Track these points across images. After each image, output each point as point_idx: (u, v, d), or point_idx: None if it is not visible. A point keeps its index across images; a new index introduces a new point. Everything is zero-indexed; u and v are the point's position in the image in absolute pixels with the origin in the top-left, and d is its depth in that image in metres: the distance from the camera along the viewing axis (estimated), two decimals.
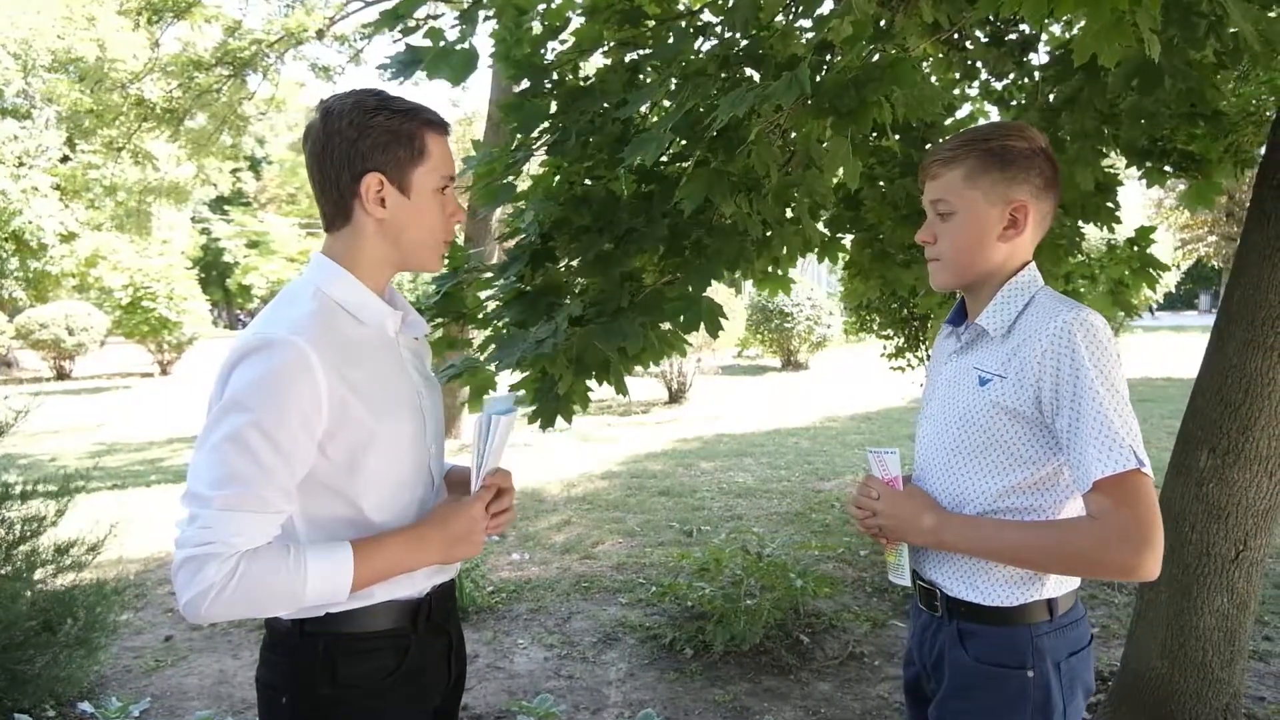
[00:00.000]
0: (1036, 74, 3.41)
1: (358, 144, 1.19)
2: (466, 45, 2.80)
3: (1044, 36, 3.41)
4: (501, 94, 8.66)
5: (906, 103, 1.68)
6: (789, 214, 2.75)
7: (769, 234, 2.76)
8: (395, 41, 2.98)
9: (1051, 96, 3.17)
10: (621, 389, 2.66)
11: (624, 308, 2.41)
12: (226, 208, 34.69)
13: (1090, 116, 2.43)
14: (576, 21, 2.89)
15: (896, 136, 2.77)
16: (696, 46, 2.56)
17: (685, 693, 3.25)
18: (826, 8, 2.36)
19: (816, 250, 3.15)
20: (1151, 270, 4.08)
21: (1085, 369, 1.25)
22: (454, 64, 2.80)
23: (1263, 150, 4.04)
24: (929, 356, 5.85)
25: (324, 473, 1.16)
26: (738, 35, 2.20)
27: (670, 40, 2.39)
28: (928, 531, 1.38)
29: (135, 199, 13.76)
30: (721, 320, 2.49)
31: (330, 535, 1.18)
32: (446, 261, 2.93)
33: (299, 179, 39.94)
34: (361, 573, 1.15)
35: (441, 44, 2.79)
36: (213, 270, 35.44)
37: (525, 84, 2.83)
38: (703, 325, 2.45)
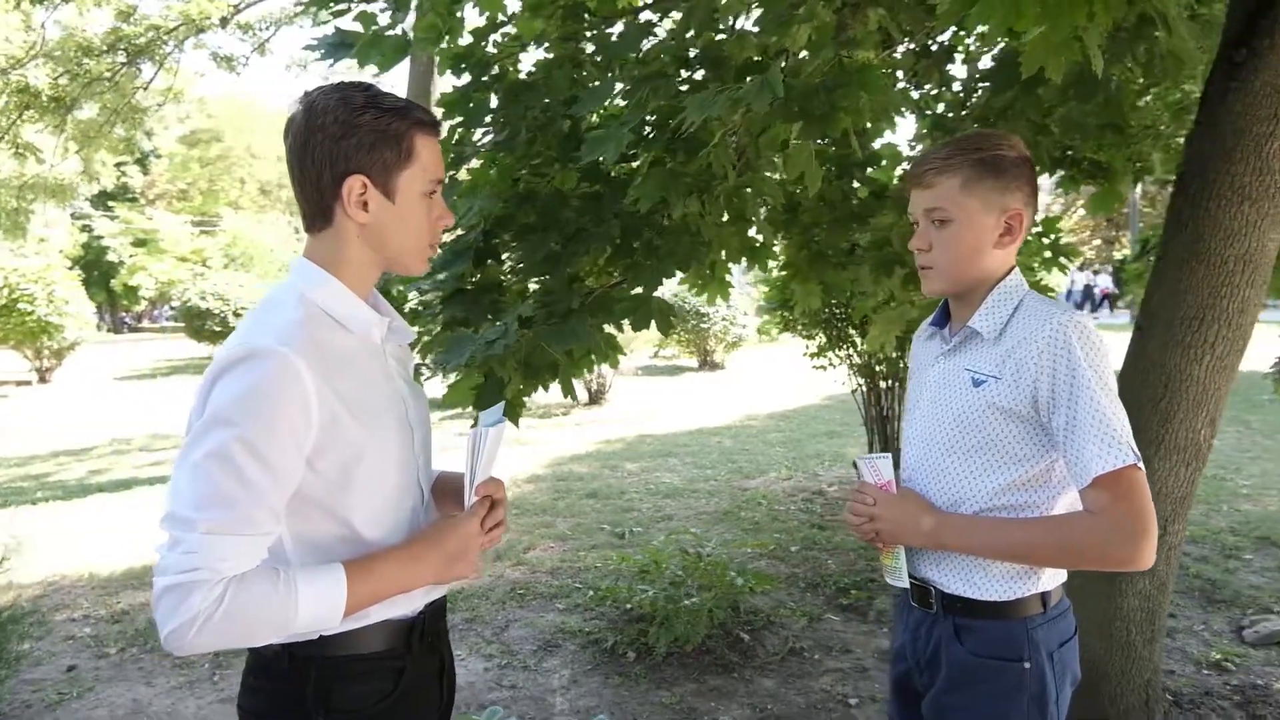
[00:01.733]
0: (957, 84, 3.54)
1: (341, 143, 1.12)
2: (398, 31, 2.71)
3: (959, 47, 3.55)
4: (419, 84, 8.44)
5: (873, 109, 1.71)
6: (729, 216, 2.77)
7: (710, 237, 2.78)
8: (319, 24, 2.85)
9: (969, 105, 3.31)
10: (569, 391, 2.62)
11: (574, 309, 2.38)
12: (111, 204, 32.58)
13: (1025, 126, 2.53)
14: (514, 9, 2.83)
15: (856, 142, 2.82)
16: (645, 46, 2.55)
17: (631, 696, 3.23)
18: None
19: (747, 255, 3.18)
20: (1063, 259, 4.31)
21: (1081, 368, 1.29)
22: (385, 50, 2.70)
23: (1156, 159, 4.34)
24: (850, 355, 6.02)
25: (313, 489, 1.09)
26: (693, 36, 2.20)
27: (621, 39, 2.36)
28: (927, 533, 1.40)
29: (14, 196, 12.72)
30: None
31: (321, 554, 1.11)
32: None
33: (190, 174, 37.92)
34: (355, 596, 1.08)
35: (373, 30, 2.69)
36: (95, 270, 33.22)
37: (465, 78, 2.76)
38: (654, 323, 2.44)
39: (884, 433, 6.07)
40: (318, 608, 1.05)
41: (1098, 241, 31.36)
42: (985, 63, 3.42)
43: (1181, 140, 4.11)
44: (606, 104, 2.14)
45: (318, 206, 1.16)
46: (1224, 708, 2.93)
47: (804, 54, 1.89)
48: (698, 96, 1.76)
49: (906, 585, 1.47)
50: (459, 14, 2.71)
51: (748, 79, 1.77)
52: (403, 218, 1.17)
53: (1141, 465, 1.28)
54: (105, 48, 9.36)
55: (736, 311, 15.29)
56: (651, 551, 4.11)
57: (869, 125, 2.97)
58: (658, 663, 3.48)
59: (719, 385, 13.80)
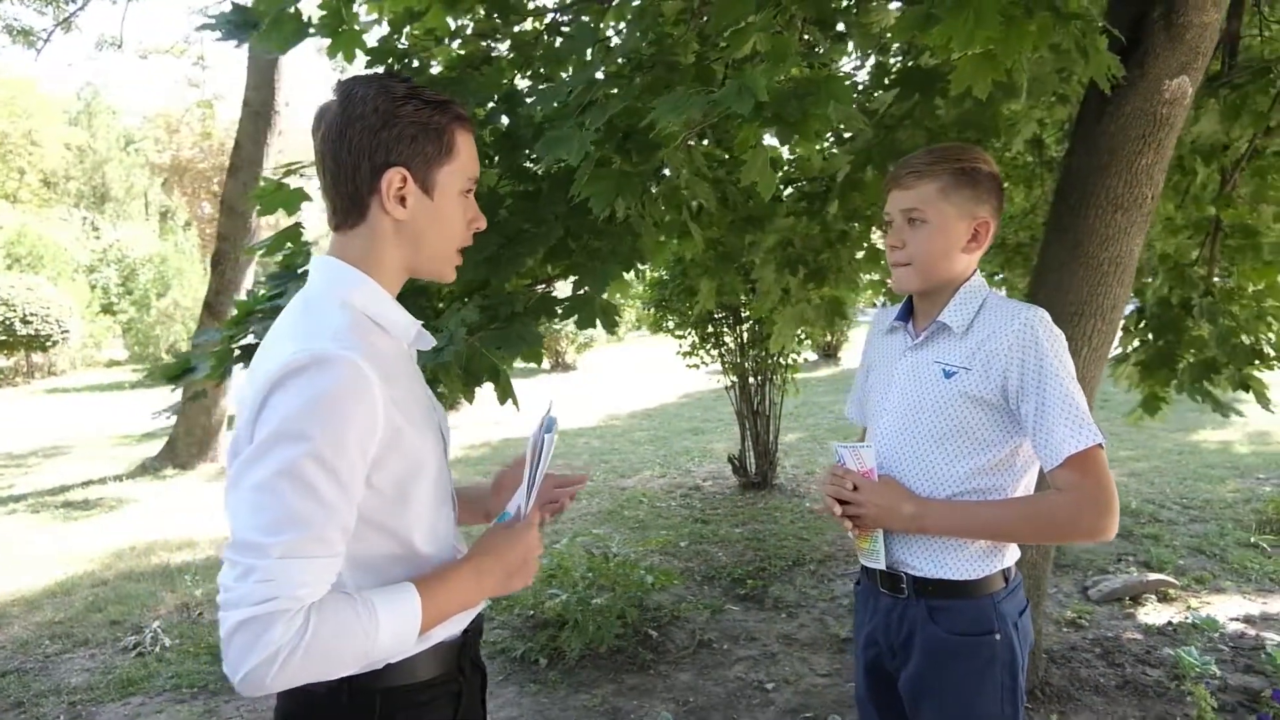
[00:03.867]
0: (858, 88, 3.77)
1: (381, 133, 1.05)
2: (293, 11, 2.54)
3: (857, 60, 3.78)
4: (259, 78, 7.85)
5: (838, 117, 1.80)
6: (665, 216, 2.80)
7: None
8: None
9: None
10: (507, 397, 2.56)
11: (519, 312, 2.33)
12: None
13: (921, 132, 2.73)
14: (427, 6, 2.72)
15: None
16: (588, 47, 2.53)
17: (551, 703, 3.19)
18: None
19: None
20: None
21: (1048, 358, 1.42)
22: (284, 32, 2.53)
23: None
24: (721, 354, 6.22)
25: (369, 506, 1.01)
26: (639, 39, 2.21)
27: (569, 41, 2.33)
28: (909, 518, 1.50)
29: None
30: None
31: (378, 576, 1.04)
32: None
33: None
34: (429, 616, 1.02)
35: (275, 9, 2.50)
36: None
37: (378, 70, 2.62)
38: (599, 322, 2.43)
39: (755, 427, 6.33)
40: (397, 632, 0.98)
41: None
42: (861, 75, 3.66)
43: (1010, 154, 4.61)
44: (556, 103, 2.10)
45: (352, 200, 1.08)
46: (1089, 659, 3.31)
47: (760, 64, 1.95)
48: (669, 97, 1.78)
49: (883, 566, 1.56)
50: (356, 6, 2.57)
51: (712, 80, 1.81)
52: (440, 216, 1.11)
53: (1104, 444, 1.43)
54: None
55: None
56: (557, 555, 4.07)
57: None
58: (571, 667, 3.46)
59: (574, 386, 13.82)
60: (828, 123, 1.79)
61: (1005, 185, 5.08)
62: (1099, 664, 3.27)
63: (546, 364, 16.10)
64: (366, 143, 1.05)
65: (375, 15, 2.76)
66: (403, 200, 1.08)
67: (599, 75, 2.09)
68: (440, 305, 2.42)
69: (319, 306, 1.05)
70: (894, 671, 1.59)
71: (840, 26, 2.07)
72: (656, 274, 6.05)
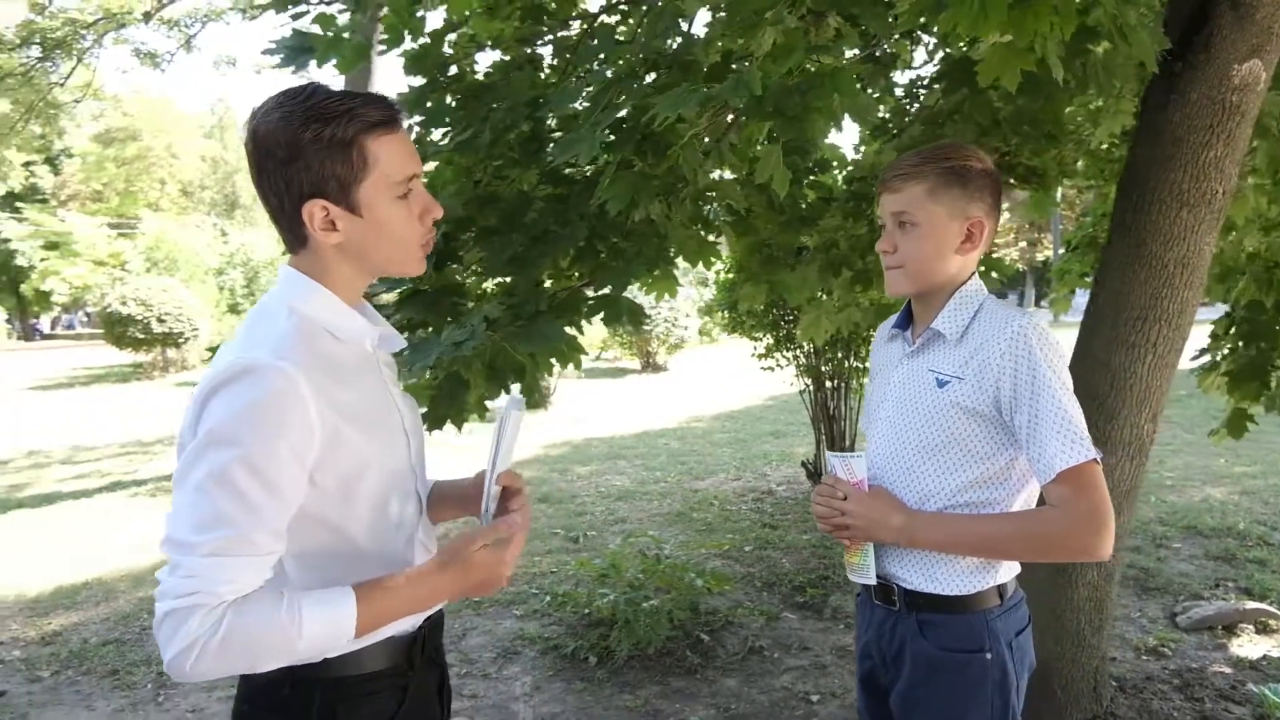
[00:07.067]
0: (898, 89, 3.63)
1: (288, 168, 1.04)
2: (348, 35, 2.66)
3: (900, 54, 3.64)
4: (356, 87, 8.24)
5: (846, 111, 1.74)
6: (692, 218, 2.78)
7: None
8: (250, 19, 2.77)
9: (910, 112, 3.39)
10: (534, 395, 2.60)
11: (542, 310, 2.36)
12: (19, 205, 30.90)
13: (971, 129, 2.60)
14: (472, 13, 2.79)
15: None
16: (605, 50, 2.54)
17: (595, 701, 3.21)
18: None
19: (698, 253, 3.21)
20: (993, 273, 4.44)
21: (1041, 369, 1.34)
22: (345, 52, 2.65)
23: (1080, 164, 4.52)
24: (797, 356, 6.11)
25: (314, 504, 1.05)
26: (658, 40, 2.20)
27: (588, 45, 2.35)
28: (898, 530, 1.44)
29: None
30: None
31: (321, 569, 1.07)
32: None
33: (106, 174, 36.25)
34: (366, 616, 1.04)
35: (332, 31, 2.63)
36: (3, 275, 31.50)
37: (422, 79, 2.71)
38: (626, 320, 2.43)
39: (830, 432, 6.18)
40: (324, 632, 1.01)
41: (1022, 244, 32.60)
42: (926, 70, 3.53)
43: (1105, 147, 4.33)
44: (573, 106, 2.12)
45: (291, 232, 1.10)
46: (1164, 691, 3.07)
47: (768, 59, 1.91)
48: (669, 94, 1.77)
49: (873, 581, 1.51)
50: (419, 14, 2.66)
51: (725, 78, 1.79)
52: (377, 228, 1.10)
53: (1100, 460, 1.34)
54: (18, 41, 8.88)
55: (678, 313, 15.38)
56: (610, 555, 4.10)
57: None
58: (619, 666, 3.47)
59: (662, 387, 13.86)
60: (831, 118, 1.74)
61: (1094, 182, 4.78)
62: (1175, 697, 3.02)
63: (637, 364, 16.19)
64: (280, 180, 1.05)
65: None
66: (332, 225, 1.08)
67: (608, 75, 2.09)
68: (470, 305, 2.48)
69: (268, 314, 1.09)
70: (887, 685, 1.54)
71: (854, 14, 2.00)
72: (728, 275, 5.99)
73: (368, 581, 1.07)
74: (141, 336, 16.46)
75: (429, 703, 1.23)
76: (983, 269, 4.42)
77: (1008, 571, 1.47)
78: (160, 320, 16.49)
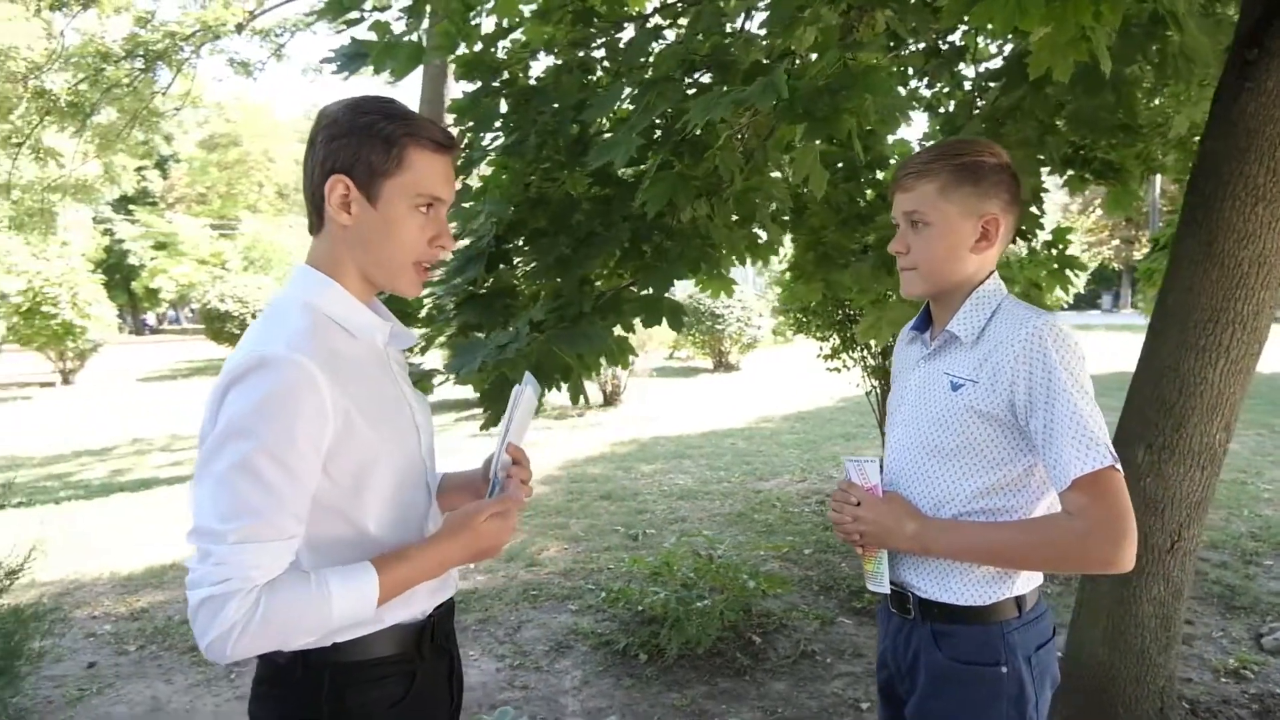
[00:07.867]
0: (967, 83, 3.52)
1: (333, 143, 1.13)
2: (415, 38, 2.73)
3: (970, 47, 3.53)
4: (432, 90, 8.49)
5: (878, 110, 1.71)
6: (737, 218, 2.77)
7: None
8: (338, 33, 2.89)
9: (980, 104, 3.28)
10: (579, 395, 2.63)
11: (586, 312, 2.39)
12: (131, 207, 32.96)
13: (1032, 125, 2.51)
14: (523, 19, 2.84)
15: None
16: (652, 50, 2.56)
17: (643, 698, 3.24)
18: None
19: (750, 253, 3.19)
20: (1068, 271, 4.25)
21: (1057, 372, 1.29)
22: (399, 58, 2.72)
23: (1169, 159, 4.29)
24: (864, 357, 6.00)
25: (326, 494, 1.10)
26: (700, 39, 2.20)
27: (630, 46, 2.37)
28: (911, 537, 1.41)
29: (37, 197, 12.92)
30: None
31: (333, 559, 1.13)
32: None
33: (209, 178, 38.26)
34: (387, 587, 1.10)
35: (387, 38, 2.71)
36: (116, 273, 33.63)
37: (476, 84, 2.78)
38: (665, 321, 2.45)
39: None
40: (353, 600, 1.07)
41: (1116, 241, 31.04)
42: (996, 62, 3.41)
43: (1197, 140, 4.09)
44: (616, 108, 2.14)
45: (314, 206, 1.17)
46: (1242, 716, 2.89)
47: (812, 56, 1.89)
48: (702, 98, 1.77)
49: (888, 590, 1.48)
50: (474, 20, 2.73)
51: (755, 81, 1.78)
52: (385, 226, 1.15)
53: (1119, 467, 1.28)
54: (123, 53, 9.49)
55: (751, 313, 15.26)
56: (664, 553, 4.11)
57: (871, 128, 2.97)
58: (669, 665, 3.48)
59: (734, 386, 13.78)
60: (864, 118, 1.71)
61: (1184, 177, 4.53)
62: None
63: (709, 363, 16.14)
64: (323, 151, 1.14)
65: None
66: (348, 207, 1.14)
67: (647, 77, 2.11)
68: (517, 304, 2.53)
69: (283, 310, 1.15)
70: (904, 695, 1.51)
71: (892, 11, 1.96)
72: (784, 274, 5.92)
73: (383, 554, 1.13)
74: (238, 332, 17.38)
75: (438, 689, 1.27)
76: (1056, 267, 4.28)
77: (1027, 582, 1.42)
78: (255, 316, 17.36)
